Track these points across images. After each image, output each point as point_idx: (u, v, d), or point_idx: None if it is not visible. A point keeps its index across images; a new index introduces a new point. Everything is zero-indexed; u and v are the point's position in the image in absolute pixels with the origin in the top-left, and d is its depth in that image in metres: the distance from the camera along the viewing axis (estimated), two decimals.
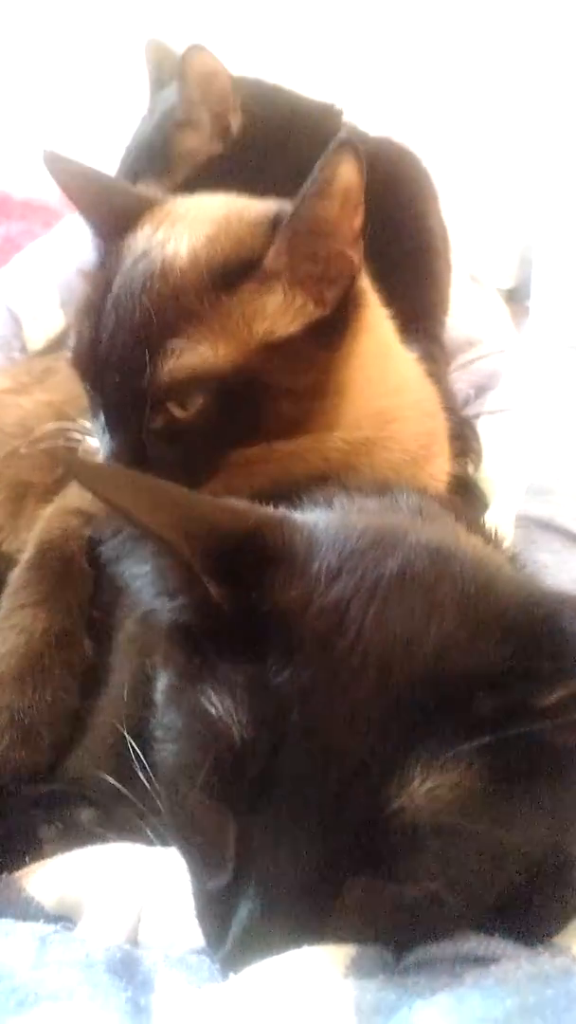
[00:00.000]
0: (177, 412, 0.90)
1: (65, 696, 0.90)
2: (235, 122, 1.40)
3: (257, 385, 0.90)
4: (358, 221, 0.91)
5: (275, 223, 0.92)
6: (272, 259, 0.90)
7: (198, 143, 1.41)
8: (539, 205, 2.34)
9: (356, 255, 0.93)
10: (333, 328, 0.93)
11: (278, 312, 0.91)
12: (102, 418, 0.93)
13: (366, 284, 1.00)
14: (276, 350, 0.90)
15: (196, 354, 0.88)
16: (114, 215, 0.99)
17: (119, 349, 0.90)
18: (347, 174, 0.87)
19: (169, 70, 1.51)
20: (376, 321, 1.01)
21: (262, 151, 1.38)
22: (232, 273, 0.91)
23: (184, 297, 0.90)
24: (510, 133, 2.48)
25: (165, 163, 1.42)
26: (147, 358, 0.88)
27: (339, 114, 1.50)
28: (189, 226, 0.95)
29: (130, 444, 0.91)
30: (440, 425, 1.09)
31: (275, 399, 0.91)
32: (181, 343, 0.88)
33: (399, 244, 1.36)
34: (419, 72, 2.47)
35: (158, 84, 1.56)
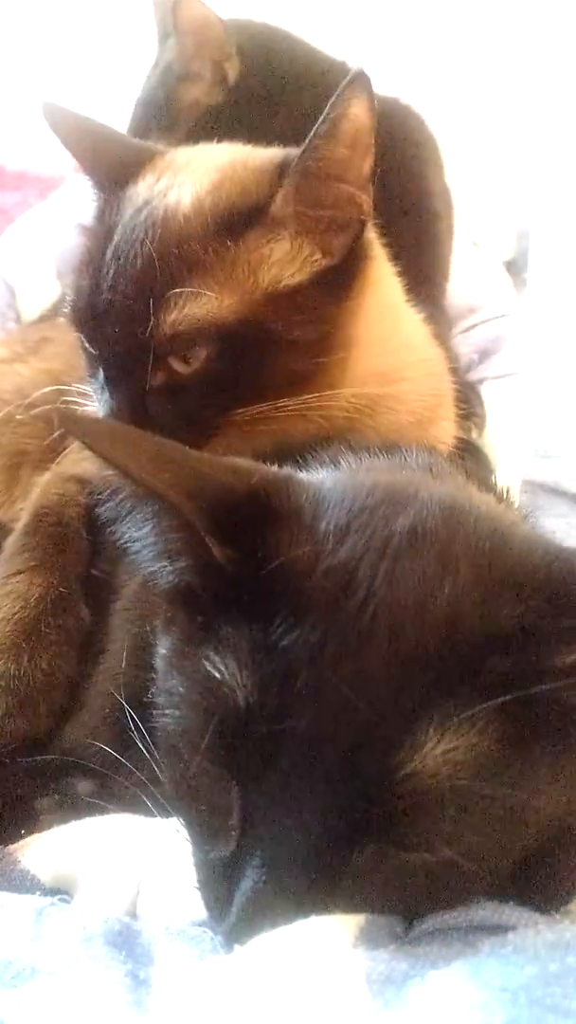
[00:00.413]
0: (179, 367, 0.87)
1: (62, 663, 0.88)
2: (232, 70, 1.38)
3: (262, 337, 0.87)
4: (369, 163, 0.88)
5: (281, 168, 0.89)
6: (279, 205, 0.88)
7: (198, 95, 1.39)
8: (537, 178, 2.32)
9: (366, 199, 0.90)
10: (341, 278, 0.91)
11: (284, 261, 0.88)
12: (101, 375, 0.90)
13: (373, 236, 0.97)
14: (282, 300, 0.88)
15: (200, 304, 0.85)
16: (114, 166, 0.97)
17: (120, 300, 0.87)
18: (359, 113, 0.84)
19: (170, 23, 1.49)
20: (383, 276, 0.98)
21: (262, 99, 1.36)
22: (237, 220, 0.88)
23: (188, 245, 0.87)
24: (508, 105, 2.45)
25: (169, 118, 1.40)
26: (150, 309, 0.85)
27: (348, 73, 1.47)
28: (192, 174, 0.93)
29: (130, 401, 0.88)
30: (447, 387, 1.06)
31: (280, 352, 0.88)
32: (185, 293, 0.85)
33: (400, 206, 1.34)
34: (421, 45, 2.44)
35: (164, 37, 1.53)
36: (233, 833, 0.58)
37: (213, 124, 1.32)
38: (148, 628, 0.73)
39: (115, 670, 0.84)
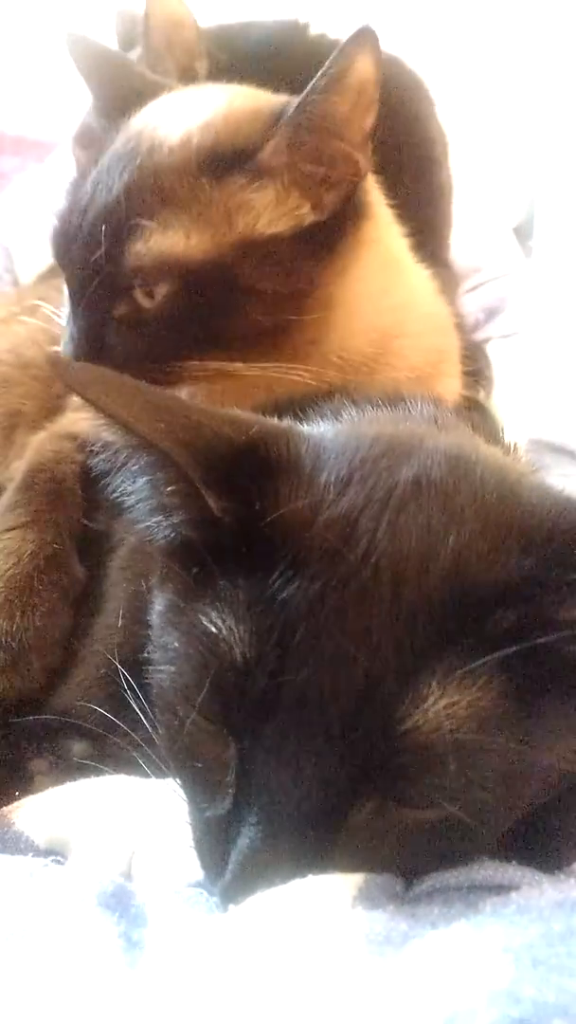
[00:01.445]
0: (143, 301, 0.85)
1: (56, 620, 0.86)
2: (201, 67, 1.34)
3: (229, 283, 0.85)
4: (370, 120, 0.86)
5: (278, 117, 0.86)
6: (269, 153, 0.86)
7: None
8: (543, 144, 2.29)
9: (363, 158, 0.87)
10: (327, 236, 0.89)
11: (265, 209, 0.86)
12: (71, 309, 0.89)
13: (374, 197, 0.95)
14: (257, 248, 0.86)
15: (166, 238, 0.84)
16: (122, 94, 0.96)
17: (88, 226, 0.86)
18: (364, 67, 0.82)
19: (137, 34, 1.47)
20: (382, 235, 0.96)
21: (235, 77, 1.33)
22: (222, 160, 0.86)
23: (164, 177, 0.86)
24: (513, 71, 2.42)
25: None
26: (117, 236, 0.84)
27: (304, 28, 1.43)
28: (189, 109, 0.91)
29: (90, 331, 0.87)
30: (452, 343, 1.04)
31: (247, 302, 0.86)
32: (152, 224, 0.84)
33: (399, 155, 1.30)
34: (431, 6, 2.41)
35: (127, 47, 1.50)
36: (229, 790, 0.56)
37: None
38: (144, 586, 0.71)
39: (111, 629, 0.82)
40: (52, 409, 1.08)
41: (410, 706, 0.52)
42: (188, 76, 1.32)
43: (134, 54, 1.40)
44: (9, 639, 0.84)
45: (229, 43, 1.39)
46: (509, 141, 2.35)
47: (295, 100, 0.86)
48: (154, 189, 0.85)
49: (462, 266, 1.50)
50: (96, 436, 0.93)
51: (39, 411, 1.09)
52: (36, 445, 1.00)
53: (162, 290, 0.85)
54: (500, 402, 1.19)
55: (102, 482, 0.64)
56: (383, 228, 0.96)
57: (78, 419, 0.99)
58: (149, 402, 0.60)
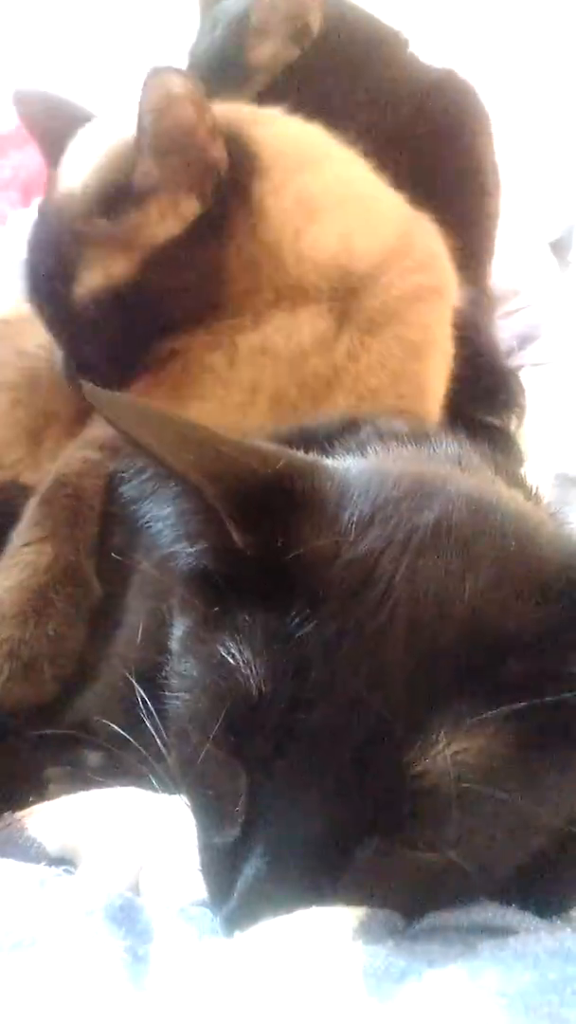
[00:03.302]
0: (97, 320, 1.03)
1: (69, 631, 0.88)
2: (315, 23, 1.35)
3: (154, 287, 1.01)
4: (210, 116, 0.99)
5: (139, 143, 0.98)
6: (140, 178, 0.98)
7: (274, 50, 1.36)
8: None
9: (215, 150, 1.00)
10: (218, 220, 1.01)
11: (159, 219, 0.99)
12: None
13: (258, 147, 1.04)
14: (161, 254, 1.00)
15: (93, 277, 1.01)
16: (54, 142, 1.09)
17: (46, 285, 1.05)
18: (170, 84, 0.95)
19: None
20: (284, 179, 1.05)
21: (340, 62, 1.34)
22: (110, 198, 1.01)
23: (77, 225, 1.02)
24: (557, 83, 2.40)
25: (242, 73, 1.38)
26: (64, 289, 1.02)
27: (405, 43, 1.45)
28: (88, 151, 1.05)
29: (70, 352, 1.07)
30: (416, 228, 1.12)
31: (177, 295, 1.01)
32: (81, 268, 1.01)
33: (454, 182, 1.32)
34: (475, 19, 2.40)
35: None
36: (239, 820, 0.57)
37: (289, 82, 1.33)
38: (165, 606, 0.73)
39: (129, 645, 0.84)
40: (85, 410, 1.10)
41: (419, 751, 0.53)
42: (301, 31, 1.36)
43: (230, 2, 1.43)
44: (22, 647, 0.86)
45: (344, 13, 1.41)
46: (548, 155, 2.34)
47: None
48: (73, 238, 1.02)
49: (500, 289, 1.50)
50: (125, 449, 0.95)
51: (73, 413, 1.10)
52: (65, 456, 1.02)
53: (108, 310, 1.01)
54: (527, 430, 1.19)
55: (129, 505, 0.65)
56: (282, 172, 1.05)
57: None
58: (179, 433, 0.61)
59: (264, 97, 1.24)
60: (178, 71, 0.96)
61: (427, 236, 1.12)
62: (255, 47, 1.37)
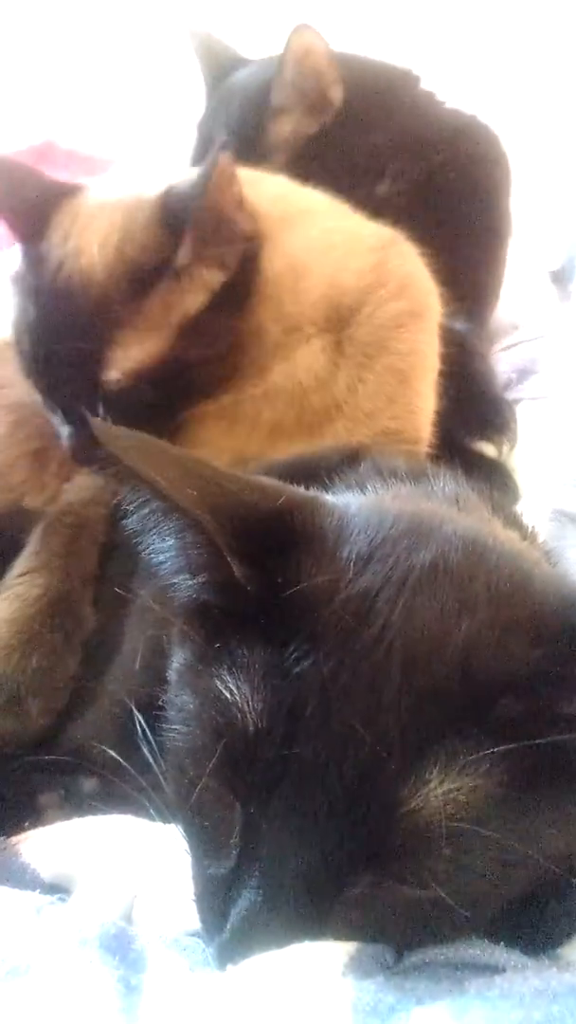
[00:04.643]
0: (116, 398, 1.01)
1: (57, 662, 0.89)
2: (336, 95, 1.37)
3: (183, 361, 1.01)
4: (239, 191, 1.01)
5: (172, 220, 0.98)
6: (182, 257, 0.98)
7: (293, 126, 1.38)
8: None
9: (244, 221, 1.02)
10: (237, 290, 1.02)
11: (189, 295, 1.00)
12: (60, 414, 1.03)
13: (258, 211, 1.05)
14: (192, 327, 1.00)
15: (128, 358, 0.99)
16: (27, 215, 1.06)
17: (64, 367, 1.01)
18: (226, 167, 0.97)
19: (225, 59, 1.50)
20: (281, 242, 1.07)
21: (363, 122, 1.36)
22: (146, 277, 1.00)
23: (108, 310, 0.99)
24: (549, 109, 2.43)
25: (262, 151, 1.39)
26: (90, 371, 0.99)
27: (417, 80, 1.47)
28: (97, 234, 1.02)
29: (81, 428, 1.02)
30: (389, 256, 1.13)
31: (201, 366, 1.02)
32: (115, 351, 0.99)
33: (471, 225, 1.35)
34: (479, 53, 2.43)
35: (215, 73, 1.52)
36: (233, 852, 0.58)
37: (311, 152, 1.35)
38: (164, 637, 0.73)
39: (127, 674, 0.84)
40: None
41: (412, 789, 0.53)
42: (320, 107, 1.38)
43: (242, 77, 1.45)
44: (5, 681, 0.86)
45: (361, 74, 1.42)
46: (549, 183, 2.36)
47: (177, 191, 0.99)
48: (103, 322, 0.99)
49: (501, 322, 1.52)
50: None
51: None
52: (77, 481, 1.04)
53: (141, 388, 1.00)
54: (524, 465, 1.20)
55: (133, 538, 0.66)
56: (277, 234, 1.07)
57: None
58: (182, 468, 0.62)
59: (286, 169, 1.26)
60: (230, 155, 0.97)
61: (402, 258, 1.14)
62: (275, 125, 1.40)
